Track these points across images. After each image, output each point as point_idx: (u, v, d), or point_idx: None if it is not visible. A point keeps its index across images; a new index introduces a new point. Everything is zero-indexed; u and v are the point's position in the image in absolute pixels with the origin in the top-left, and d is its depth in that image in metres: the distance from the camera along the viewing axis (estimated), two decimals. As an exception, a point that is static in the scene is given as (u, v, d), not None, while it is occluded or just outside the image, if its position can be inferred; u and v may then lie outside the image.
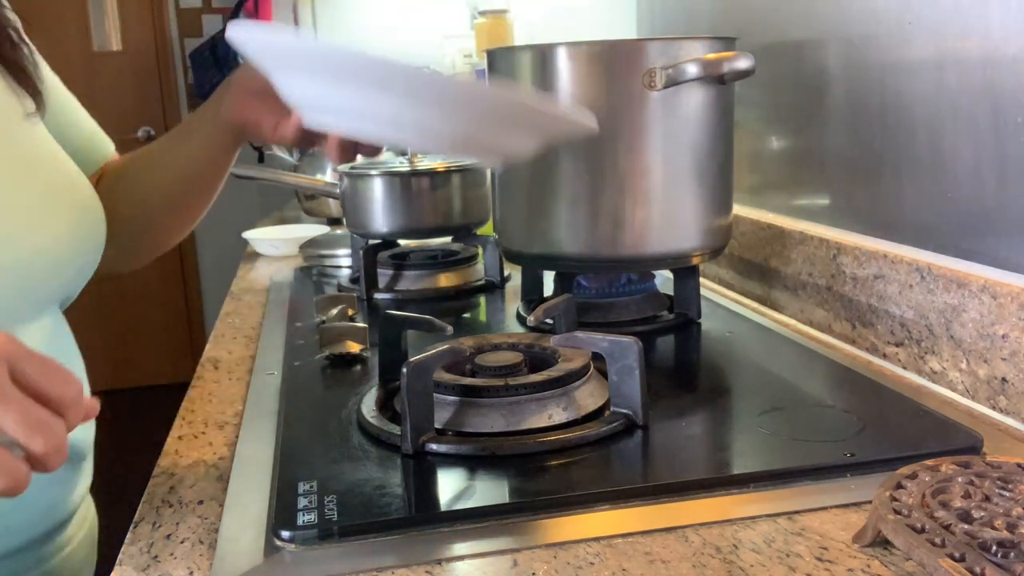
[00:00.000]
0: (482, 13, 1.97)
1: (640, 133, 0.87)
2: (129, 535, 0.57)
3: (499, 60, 0.95)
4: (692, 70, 0.83)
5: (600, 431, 0.65)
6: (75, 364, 0.74)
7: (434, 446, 0.64)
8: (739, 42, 0.90)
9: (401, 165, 1.19)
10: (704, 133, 0.89)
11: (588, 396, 0.70)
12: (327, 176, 1.68)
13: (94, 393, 0.53)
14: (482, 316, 1.08)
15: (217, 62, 3.23)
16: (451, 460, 0.63)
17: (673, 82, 0.84)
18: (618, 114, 0.86)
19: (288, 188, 1.91)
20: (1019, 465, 0.53)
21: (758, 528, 0.54)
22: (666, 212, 0.89)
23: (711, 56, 0.84)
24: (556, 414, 0.67)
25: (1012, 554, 0.45)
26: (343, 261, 1.35)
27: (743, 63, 0.84)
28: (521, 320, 1.01)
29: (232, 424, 0.76)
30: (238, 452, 0.69)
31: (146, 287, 3.90)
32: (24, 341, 0.46)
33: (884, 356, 0.86)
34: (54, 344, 0.71)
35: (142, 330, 3.93)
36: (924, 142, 0.81)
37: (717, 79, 0.86)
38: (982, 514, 0.48)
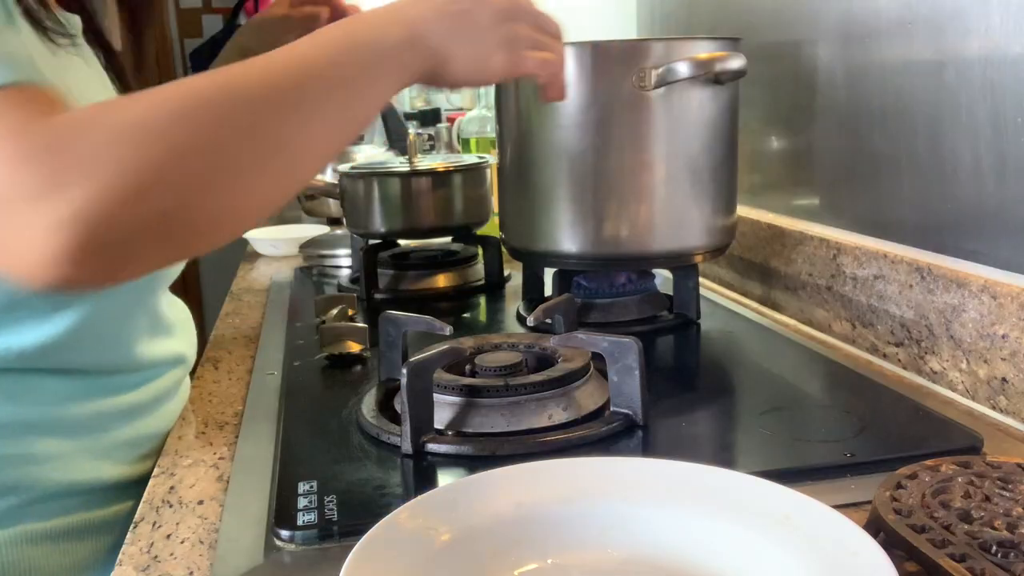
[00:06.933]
0: (482, 13, 1.97)
1: (641, 132, 0.87)
2: (129, 535, 0.57)
3: (499, 60, 0.95)
4: (683, 70, 0.83)
5: (600, 431, 0.65)
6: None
7: (434, 446, 0.64)
8: (739, 42, 0.90)
9: (401, 165, 1.19)
10: (706, 133, 0.89)
11: (588, 396, 0.70)
12: (327, 176, 1.68)
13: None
14: (482, 316, 1.08)
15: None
16: (451, 460, 0.63)
17: (663, 82, 0.83)
18: (619, 113, 0.86)
19: (288, 188, 1.91)
20: (1019, 465, 0.53)
21: (758, 528, 0.54)
22: (669, 210, 0.89)
23: (702, 56, 0.84)
24: (556, 414, 0.67)
25: (1012, 554, 0.45)
26: (343, 261, 1.34)
27: (735, 63, 0.84)
28: (521, 320, 1.01)
29: (232, 424, 0.76)
30: (238, 452, 0.69)
31: (146, 287, 3.89)
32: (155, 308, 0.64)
33: (884, 356, 0.86)
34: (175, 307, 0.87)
35: (142, 330, 3.92)
36: (924, 142, 0.81)
37: (713, 79, 0.86)
38: (982, 514, 0.48)
